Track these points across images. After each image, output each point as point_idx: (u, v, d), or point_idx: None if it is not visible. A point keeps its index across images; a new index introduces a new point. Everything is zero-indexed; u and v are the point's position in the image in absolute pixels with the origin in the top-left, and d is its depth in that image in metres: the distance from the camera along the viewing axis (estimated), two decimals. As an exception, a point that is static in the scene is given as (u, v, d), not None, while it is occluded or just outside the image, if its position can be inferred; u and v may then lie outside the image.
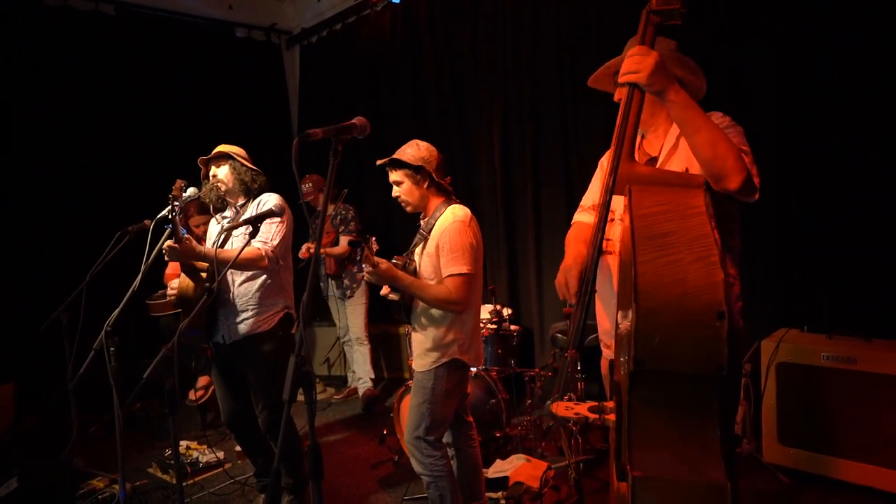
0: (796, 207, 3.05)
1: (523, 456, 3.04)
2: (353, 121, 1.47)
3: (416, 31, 4.85)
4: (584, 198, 2.11)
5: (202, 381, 4.13)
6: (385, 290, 2.36)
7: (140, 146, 4.91)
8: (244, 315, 2.68)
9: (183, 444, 3.66)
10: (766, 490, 2.77)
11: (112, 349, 2.45)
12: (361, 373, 4.40)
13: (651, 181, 1.49)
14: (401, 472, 3.25)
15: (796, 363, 2.77)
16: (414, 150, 2.32)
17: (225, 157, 2.73)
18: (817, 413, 2.72)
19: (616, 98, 1.69)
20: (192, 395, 4.10)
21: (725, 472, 1.32)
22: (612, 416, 1.54)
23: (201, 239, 3.48)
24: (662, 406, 1.38)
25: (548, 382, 3.53)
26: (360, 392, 4.41)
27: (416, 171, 2.29)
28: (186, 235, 2.51)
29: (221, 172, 2.72)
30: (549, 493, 2.79)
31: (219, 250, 2.58)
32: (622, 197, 1.50)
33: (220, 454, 3.53)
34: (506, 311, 3.74)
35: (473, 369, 3.17)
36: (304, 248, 4.14)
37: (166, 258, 2.58)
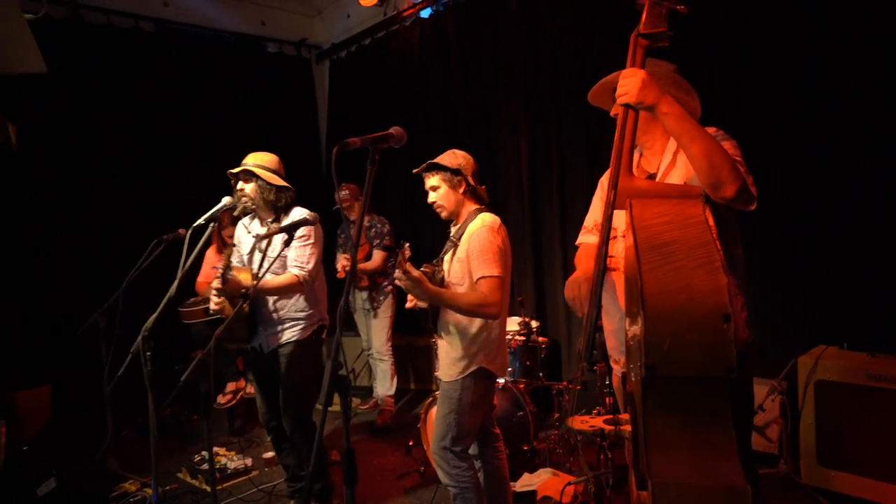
0: (824, 220, 3.00)
1: (551, 470, 3.00)
2: (390, 130, 1.50)
3: (444, 44, 4.91)
4: (586, 218, 2.15)
5: (231, 386, 4.19)
6: (410, 302, 2.36)
7: (176, 157, 5.05)
8: (280, 327, 2.76)
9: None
10: (805, 512, 2.68)
11: (148, 354, 2.50)
12: (382, 389, 4.36)
13: (650, 194, 1.53)
14: (426, 482, 3.24)
15: (838, 381, 2.69)
16: (451, 158, 2.35)
17: (250, 174, 2.78)
18: (860, 434, 2.63)
19: (612, 114, 1.75)
20: (220, 399, 4.16)
21: (745, 476, 1.31)
22: (627, 427, 1.52)
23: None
24: (676, 412, 1.38)
25: (576, 396, 3.49)
26: (381, 407, 4.37)
27: (453, 174, 2.31)
28: (231, 274, 2.61)
29: (248, 188, 2.77)
30: (578, 508, 2.75)
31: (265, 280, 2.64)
32: (623, 213, 1.54)
33: (249, 461, 3.57)
34: (533, 324, 3.72)
35: (500, 380, 3.16)
36: (339, 265, 4.16)
37: (215, 295, 2.65)
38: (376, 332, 4.34)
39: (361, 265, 4.18)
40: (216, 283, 2.53)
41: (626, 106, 1.50)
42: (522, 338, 3.42)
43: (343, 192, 4.26)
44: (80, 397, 4.41)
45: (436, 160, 2.36)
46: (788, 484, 2.82)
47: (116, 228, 4.63)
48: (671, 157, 1.79)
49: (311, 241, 2.68)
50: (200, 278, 4.32)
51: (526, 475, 3.00)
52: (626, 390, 1.53)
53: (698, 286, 1.34)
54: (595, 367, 3.17)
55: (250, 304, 2.76)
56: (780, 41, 3.02)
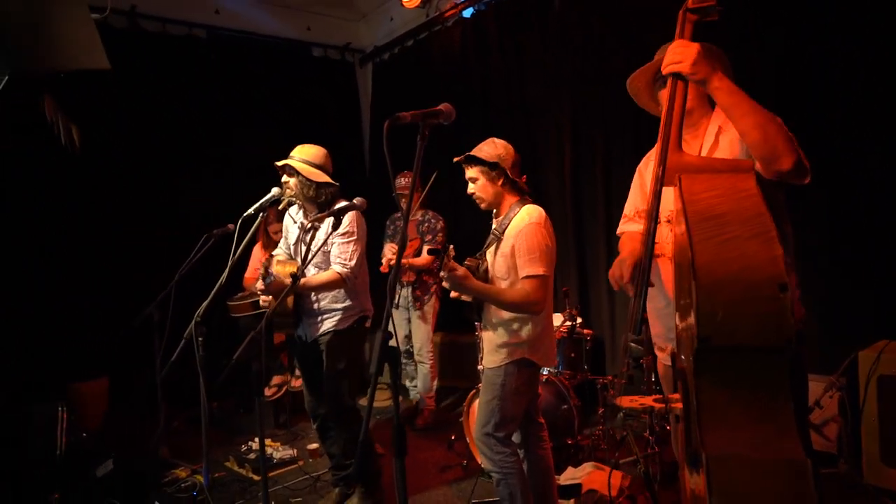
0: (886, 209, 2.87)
1: (595, 464, 2.95)
2: (439, 106, 1.52)
3: (485, 43, 4.93)
4: (626, 207, 2.13)
5: (276, 379, 4.27)
6: (455, 293, 2.36)
7: (226, 158, 5.21)
8: (321, 317, 2.82)
9: (258, 439, 3.77)
10: (867, 514, 2.55)
11: (200, 339, 2.59)
12: (422, 388, 4.32)
13: (700, 169, 1.50)
14: (469, 476, 3.22)
15: (903, 376, 2.56)
16: (490, 148, 2.34)
17: (294, 171, 2.82)
18: (927, 430, 2.50)
19: (658, 107, 1.74)
20: (266, 392, 4.24)
21: (804, 450, 1.26)
22: (678, 405, 1.48)
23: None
24: (731, 385, 1.35)
25: (622, 390, 3.42)
26: (420, 407, 4.34)
27: (491, 167, 2.31)
28: (274, 275, 2.68)
29: (292, 182, 2.82)
30: (625, 502, 2.69)
31: (302, 279, 2.69)
32: (670, 198, 1.50)
33: (294, 451, 3.63)
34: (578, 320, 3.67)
35: (545, 371, 3.13)
36: (385, 259, 4.04)
37: (261, 294, 2.74)
38: (418, 331, 4.25)
39: (410, 260, 4.12)
40: (259, 285, 2.63)
41: (676, 77, 1.48)
42: (567, 330, 3.37)
43: (404, 180, 4.10)
44: (135, 389, 4.60)
45: (474, 151, 2.35)
46: (849, 484, 2.69)
47: (169, 225, 4.79)
48: (713, 139, 1.76)
49: (355, 237, 2.73)
50: (248, 274, 4.44)
51: (570, 469, 2.95)
52: (677, 368, 1.50)
53: (753, 255, 1.30)
54: (642, 361, 3.11)
55: (296, 302, 2.83)
56: (788, 40, 2.98)
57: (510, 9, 4.72)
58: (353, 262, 2.71)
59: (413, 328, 4.30)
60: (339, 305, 2.81)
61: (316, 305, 2.81)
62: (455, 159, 2.40)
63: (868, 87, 2.79)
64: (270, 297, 2.74)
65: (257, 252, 4.45)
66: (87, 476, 3.10)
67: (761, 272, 1.28)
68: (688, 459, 1.38)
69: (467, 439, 3.26)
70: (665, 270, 1.85)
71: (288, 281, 2.62)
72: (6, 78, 2.20)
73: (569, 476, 2.88)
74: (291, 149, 2.95)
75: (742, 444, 1.31)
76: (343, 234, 2.68)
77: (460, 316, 4.50)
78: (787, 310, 1.25)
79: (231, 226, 3.36)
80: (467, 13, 5.10)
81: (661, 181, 1.48)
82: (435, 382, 4.35)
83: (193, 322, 2.59)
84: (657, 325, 1.94)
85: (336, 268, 2.70)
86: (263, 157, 4.38)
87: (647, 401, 1.61)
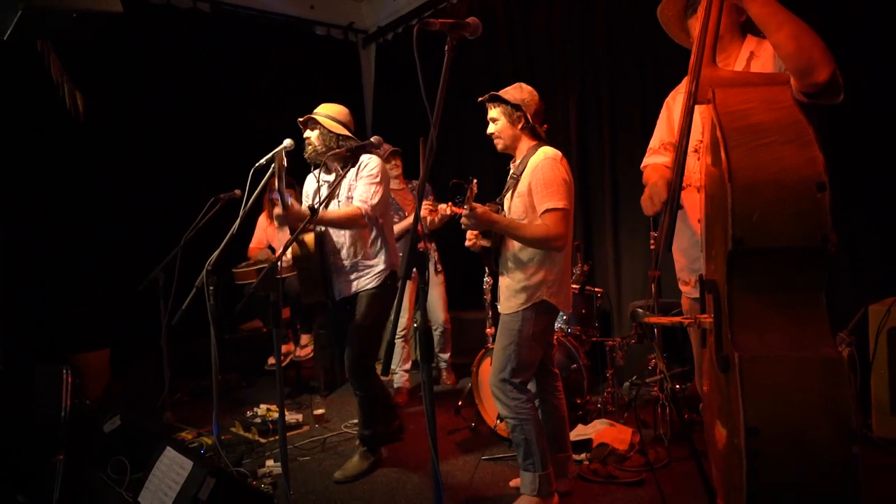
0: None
1: (607, 421, 2.94)
2: (467, 20, 1.51)
3: (492, 19, 4.92)
4: (652, 140, 2.11)
5: (282, 349, 4.25)
6: (470, 240, 2.35)
7: (226, 129, 5.20)
8: (353, 275, 2.80)
9: (263, 406, 3.76)
10: (877, 465, 2.55)
11: (211, 288, 2.57)
12: (444, 354, 4.35)
13: (735, 83, 1.49)
14: (478, 437, 3.22)
15: (913, 328, 2.58)
16: (516, 92, 2.35)
17: (315, 121, 2.83)
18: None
19: (688, 38, 1.74)
20: (271, 361, 4.22)
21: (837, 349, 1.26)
22: (706, 318, 1.47)
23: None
24: (765, 288, 1.35)
25: (631, 353, 3.42)
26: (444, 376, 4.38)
27: (513, 108, 2.31)
28: (292, 200, 2.60)
29: (313, 135, 2.81)
30: (636, 456, 2.69)
31: (322, 210, 2.67)
32: (698, 128, 1.47)
33: (300, 416, 3.61)
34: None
35: (557, 325, 3.13)
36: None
37: (277, 224, 2.70)
38: (436, 304, 4.24)
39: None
40: (277, 210, 2.52)
41: None
42: (579, 284, 3.36)
43: (393, 161, 4.25)
44: (138, 360, 4.57)
45: (500, 92, 2.36)
46: (859, 438, 2.69)
47: (172, 198, 4.76)
48: (745, 65, 1.76)
49: (378, 179, 2.70)
50: (253, 244, 4.42)
51: (580, 426, 2.95)
52: (705, 280, 1.49)
53: (790, 158, 1.30)
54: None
55: (321, 259, 2.80)
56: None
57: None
58: (374, 201, 2.66)
59: (431, 302, 4.27)
60: (371, 262, 2.78)
61: (347, 262, 2.77)
62: (479, 99, 2.40)
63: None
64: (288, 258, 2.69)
65: (262, 222, 4.43)
66: (92, 436, 3.07)
67: (798, 173, 1.28)
68: (719, 365, 1.37)
69: (476, 402, 3.24)
70: (691, 200, 1.84)
71: (305, 210, 2.58)
72: (19, 13, 2.18)
73: (579, 432, 2.87)
74: (291, 127, 2.90)
75: (775, 346, 1.31)
76: (366, 176, 2.66)
77: (465, 293, 4.58)
78: (824, 210, 1.25)
79: (238, 191, 3.35)
80: (473, -11, 5.10)
81: (693, 96, 1.47)
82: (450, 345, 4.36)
83: (205, 270, 2.57)
84: (681, 258, 1.94)
85: (357, 204, 2.65)
86: (265, 131, 4.40)
87: (675, 319, 1.61)
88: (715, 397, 1.56)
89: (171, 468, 2.18)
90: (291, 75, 5.72)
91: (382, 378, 4.42)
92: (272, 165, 2.70)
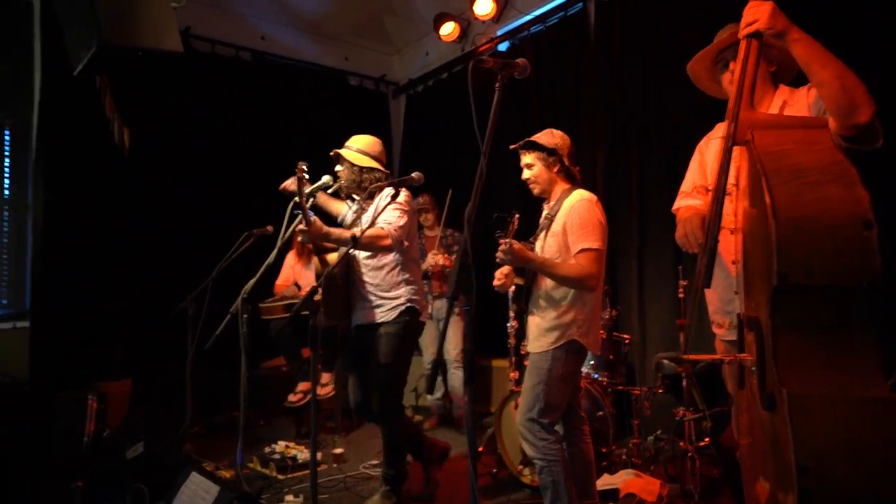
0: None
1: (633, 471, 2.88)
2: (517, 60, 1.60)
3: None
4: (683, 184, 2.14)
5: (302, 386, 4.23)
6: (499, 279, 2.37)
7: (261, 169, 5.36)
8: (370, 304, 2.80)
9: (281, 443, 3.73)
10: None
11: (245, 316, 2.61)
12: (459, 391, 4.41)
13: (774, 125, 1.53)
14: (498, 483, 3.16)
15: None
16: (548, 137, 2.44)
17: (342, 158, 2.92)
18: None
19: (720, 89, 1.79)
20: (291, 398, 4.20)
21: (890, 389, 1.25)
22: (748, 356, 1.47)
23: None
24: (810, 326, 1.34)
25: (656, 404, 3.36)
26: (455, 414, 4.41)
27: (548, 153, 2.39)
28: (314, 217, 2.64)
29: (341, 169, 2.91)
30: (665, 508, 2.61)
31: (345, 231, 2.73)
32: (733, 172, 1.49)
33: (318, 455, 3.56)
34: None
35: (584, 370, 3.10)
36: (428, 263, 4.27)
37: (300, 240, 2.75)
38: (454, 339, 4.37)
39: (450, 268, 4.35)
40: (301, 227, 2.55)
41: (751, 36, 1.53)
42: (606, 330, 3.34)
43: (421, 199, 4.39)
44: (157, 392, 4.57)
45: (533, 138, 2.45)
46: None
47: (201, 231, 4.88)
48: (778, 110, 1.80)
49: (406, 208, 2.73)
50: (279, 281, 4.48)
51: (606, 475, 2.89)
52: (747, 318, 1.50)
53: (834, 196, 1.31)
54: (679, 368, 3.08)
55: (346, 280, 2.84)
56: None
57: (546, 42, 4.94)
58: (400, 223, 2.67)
59: (448, 337, 4.39)
60: (390, 294, 2.79)
61: (369, 290, 2.79)
62: (512, 146, 2.49)
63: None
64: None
65: (290, 260, 4.51)
66: (113, 462, 3.06)
67: (843, 211, 1.29)
68: (763, 403, 1.36)
69: (498, 447, 3.19)
70: (724, 242, 1.85)
71: (327, 227, 2.61)
72: (93, 51, 2.34)
73: (605, 481, 2.81)
74: (323, 167, 2.97)
75: (823, 384, 1.29)
76: (393, 206, 2.67)
77: (482, 339, 4.58)
78: (871, 249, 1.25)
79: (270, 227, 3.46)
80: (503, 47, 5.34)
81: (732, 137, 1.52)
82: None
83: (240, 298, 2.63)
84: (715, 300, 1.94)
85: (382, 225, 2.66)
86: (295, 171, 4.56)
87: (710, 356, 1.61)
88: (758, 445, 1.53)
89: (197, 493, 2.17)
90: (325, 122, 5.92)
91: (429, 396, 4.51)
92: (310, 200, 2.81)
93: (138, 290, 4.67)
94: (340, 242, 2.68)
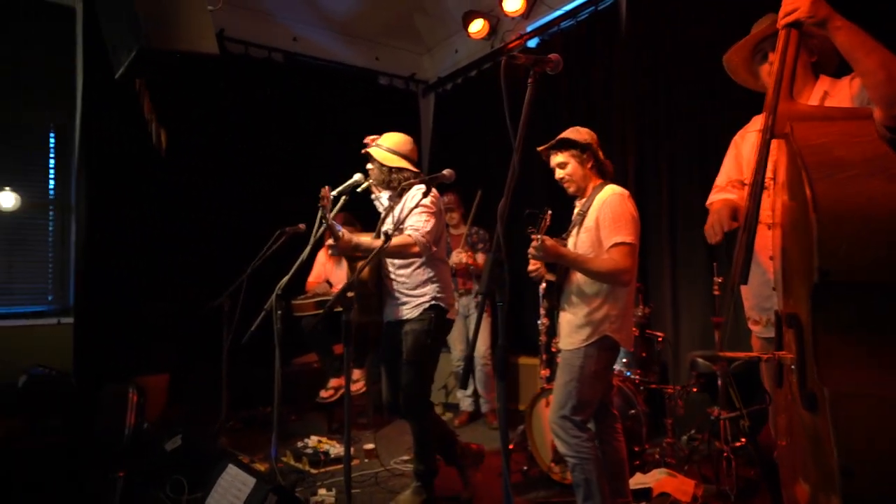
0: None
1: (666, 470, 2.84)
2: (550, 56, 1.59)
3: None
4: (718, 177, 2.10)
5: (333, 382, 4.29)
6: (534, 265, 2.32)
7: (293, 167, 5.48)
8: (398, 300, 2.83)
9: (314, 438, 3.79)
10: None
11: (279, 312, 2.66)
12: (486, 390, 4.41)
13: (813, 117, 1.48)
14: (529, 481, 3.15)
15: None
16: (576, 134, 2.42)
17: (372, 157, 2.91)
18: None
19: (757, 81, 1.77)
20: (322, 394, 4.26)
21: None
22: (787, 354, 1.43)
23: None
24: (853, 324, 1.30)
25: (690, 403, 3.31)
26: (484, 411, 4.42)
27: (582, 150, 2.37)
28: (342, 230, 2.66)
29: (371, 167, 2.93)
30: (700, 509, 2.57)
31: (374, 240, 2.74)
32: (770, 165, 1.46)
33: (351, 450, 3.61)
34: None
35: (616, 367, 3.07)
36: (454, 260, 4.29)
37: (330, 254, 2.79)
38: (481, 336, 4.38)
39: (475, 266, 4.37)
40: (329, 242, 2.57)
41: (791, 26, 1.50)
42: (639, 327, 3.30)
43: (447, 197, 4.40)
44: (193, 386, 4.69)
45: (563, 135, 2.43)
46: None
47: (236, 230, 4.98)
48: (818, 102, 1.76)
49: (432, 210, 2.71)
50: (311, 278, 4.55)
51: (638, 474, 2.85)
52: (786, 315, 1.47)
53: (877, 191, 1.28)
54: (714, 367, 3.03)
55: (377, 277, 2.87)
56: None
57: (576, 37, 4.89)
58: (426, 229, 2.65)
59: (478, 334, 4.33)
60: (415, 291, 2.80)
61: (396, 288, 2.81)
62: (539, 148, 2.47)
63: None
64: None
65: (321, 257, 4.57)
66: (151, 455, 3.15)
67: (888, 206, 1.25)
68: (803, 402, 1.33)
69: (528, 444, 3.19)
70: (761, 237, 1.82)
71: (357, 238, 2.63)
72: (133, 54, 2.42)
73: (638, 481, 2.78)
74: (353, 166, 2.96)
75: (865, 383, 1.26)
76: (419, 208, 2.64)
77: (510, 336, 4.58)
78: None
79: (302, 225, 3.51)
80: (532, 43, 5.30)
81: (770, 130, 1.49)
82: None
83: (274, 295, 2.67)
84: (751, 296, 1.92)
85: (409, 232, 2.64)
86: (330, 170, 4.61)
87: (747, 353, 1.58)
88: (797, 445, 1.50)
89: (233, 484, 2.22)
90: (355, 121, 5.97)
91: (461, 390, 4.55)
92: (341, 199, 2.84)
93: (175, 287, 4.79)
94: (370, 253, 2.70)
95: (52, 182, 4.71)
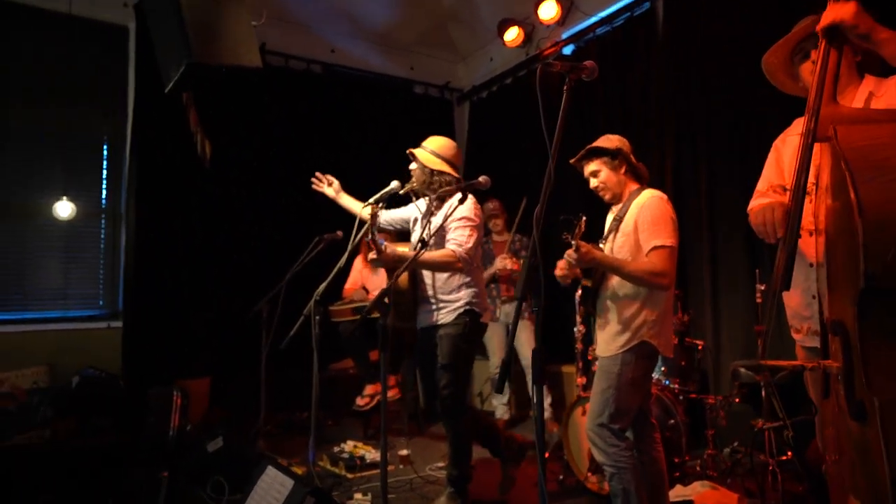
0: None
1: (709, 483, 2.77)
2: (585, 62, 1.60)
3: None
4: (759, 183, 2.05)
5: (369, 388, 4.34)
6: (561, 269, 2.26)
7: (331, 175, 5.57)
8: (433, 306, 2.85)
9: (350, 443, 3.84)
10: None
11: (317, 317, 2.72)
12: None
13: (857, 120, 1.45)
14: (565, 490, 3.11)
15: None
16: (607, 141, 2.41)
17: (415, 157, 2.95)
18: None
19: (797, 83, 1.75)
20: (359, 401, 4.31)
21: None
22: (833, 363, 1.39)
23: None
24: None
25: (732, 414, 3.22)
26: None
27: (612, 156, 2.36)
28: (385, 244, 2.71)
29: (413, 168, 2.94)
30: (743, 523, 2.50)
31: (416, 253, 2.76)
32: (812, 170, 1.44)
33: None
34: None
35: (655, 376, 3.02)
36: (499, 266, 4.33)
37: (372, 266, 2.83)
38: (528, 344, 4.31)
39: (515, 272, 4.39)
40: (371, 255, 2.61)
41: (831, 31, 1.48)
42: (678, 336, 3.23)
43: (490, 204, 4.42)
44: (233, 390, 4.80)
45: (593, 145, 2.42)
46: None
47: (275, 237, 5.10)
48: (864, 105, 1.72)
49: (473, 223, 2.73)
50: (348, 285, 4.62)
51: (679, 486, 2.79)
52: (831, 321, 1.43)
53: None
54: (758, 377, 2.95)
55: (413, 283, 2.90)
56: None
57: (612, 43, 4.86)
58: (469, 245, 2.67)
59: (521, 340, 4.35)
60: (449, 297, 2.80)
61: (431, 294, 2.82)
62: (572, 160, 2.46)
63: None
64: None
65: (358, 264, 4.63)
66: (195, 455, 3.24)
67: (935, 210, 1.22)
68: (851, 412, 1.30)
69: (564, 453, 3.16)
70: (802, 244, 1.78)
71: (400, 250, 2.66)
72: (182, 69, 2.52)
73: (678, 493, 2.72)
74: (390, 174, 2.99)
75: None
76: (460, 219, 2.68)
77: (549, 344, 4.54)
78: None
79: (340, 232, 3.58)
80: (568, 50, 5.29)
81: (813, 134, 1.46)
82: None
83: (313, 300, 2.73)
84: (792, 304, 1.87)
85: (451, 246, 2.67)
86: (367, 178, 4.69)
87: (796, 363, 1.53)
88: (846, 459, 1.45)
89: (273, 486, 2.28)
90: (391, 130, 6.08)
91: (497, 398, 4.53)
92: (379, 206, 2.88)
93: (218, 293, 4.93)
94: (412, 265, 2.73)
95: (104, 192, 4.92)
